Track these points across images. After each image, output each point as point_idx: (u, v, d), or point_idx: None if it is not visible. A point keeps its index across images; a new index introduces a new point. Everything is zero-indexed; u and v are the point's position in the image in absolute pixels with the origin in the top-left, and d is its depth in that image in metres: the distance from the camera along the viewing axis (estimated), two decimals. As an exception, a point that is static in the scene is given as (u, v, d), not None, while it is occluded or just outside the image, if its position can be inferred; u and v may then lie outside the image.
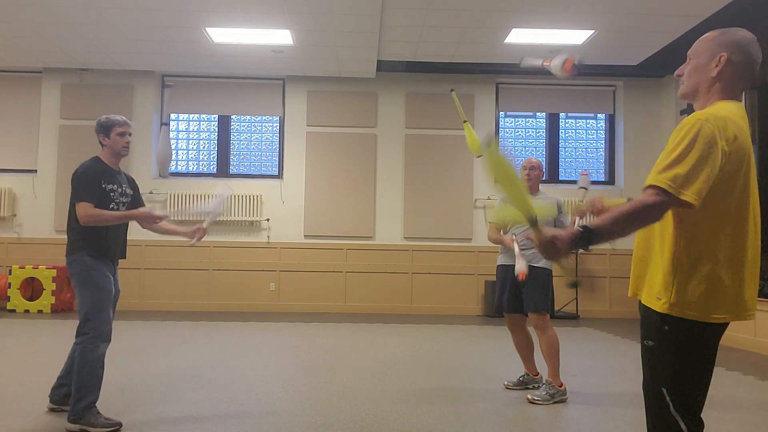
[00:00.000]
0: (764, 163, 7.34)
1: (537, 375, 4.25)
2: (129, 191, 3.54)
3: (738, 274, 1.76)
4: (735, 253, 1.75)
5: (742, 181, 1.73)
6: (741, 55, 1.76)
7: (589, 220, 1.85)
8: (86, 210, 3.24)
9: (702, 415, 1.83)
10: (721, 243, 1.73)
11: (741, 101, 1.85)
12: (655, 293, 1.79)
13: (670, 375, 1.78)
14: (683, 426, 1.75)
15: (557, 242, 1.69)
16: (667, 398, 1.77)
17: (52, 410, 3.46)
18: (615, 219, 1.66)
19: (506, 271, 4.16)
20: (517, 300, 4.11)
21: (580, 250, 1.71)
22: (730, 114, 1.73)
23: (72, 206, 3.31)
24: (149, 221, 3.50)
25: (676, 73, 1.93)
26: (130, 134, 3.48)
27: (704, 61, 1.80)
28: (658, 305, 1.77)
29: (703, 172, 1.63)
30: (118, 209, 3.40)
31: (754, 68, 1.79)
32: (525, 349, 4.27)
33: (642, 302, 1.86)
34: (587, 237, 1.66)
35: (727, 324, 1.83)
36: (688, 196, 1.63)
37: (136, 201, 3.61)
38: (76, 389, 3.13)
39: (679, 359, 1.77)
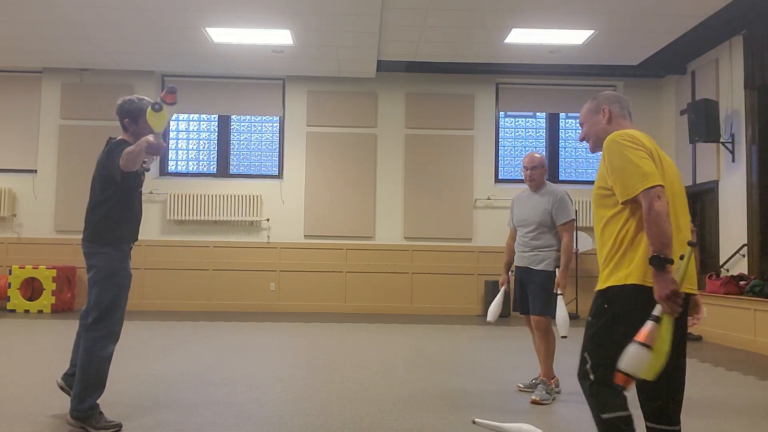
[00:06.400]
0: (764, 163, 7.34)
1: (553, 378, 4.06)
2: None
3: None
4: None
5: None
6: (615, 103, 2.41)
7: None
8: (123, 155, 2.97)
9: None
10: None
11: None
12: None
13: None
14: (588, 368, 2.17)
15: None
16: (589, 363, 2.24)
17: (61, 388, 3.38)
18: (652, 234, 2.00)
19: (518, 272, 4.19)
20: (525, 301, 4.13)
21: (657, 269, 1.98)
22: (631, 130, 2.23)
23: (103, 179, 3.14)
24: (155, 148, 2.98)
25: (579, 138, 2.51)
26: None
27: (595, 118, 2.43)
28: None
29: (646, 162, 2.08)
30: (141, 189, 3.37)
31: (626, 106, 2.42)
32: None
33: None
34: (658, 261, 1.98)
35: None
36: (657, 182, 2.04)
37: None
38: (81, 387, 3.10)
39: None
